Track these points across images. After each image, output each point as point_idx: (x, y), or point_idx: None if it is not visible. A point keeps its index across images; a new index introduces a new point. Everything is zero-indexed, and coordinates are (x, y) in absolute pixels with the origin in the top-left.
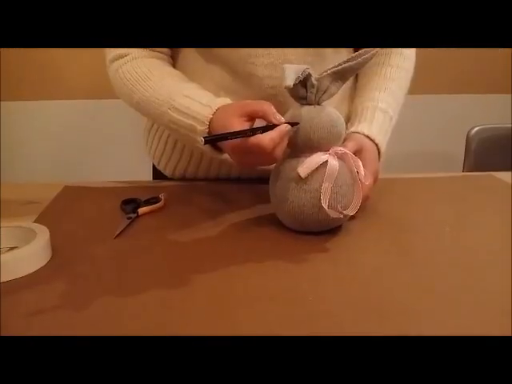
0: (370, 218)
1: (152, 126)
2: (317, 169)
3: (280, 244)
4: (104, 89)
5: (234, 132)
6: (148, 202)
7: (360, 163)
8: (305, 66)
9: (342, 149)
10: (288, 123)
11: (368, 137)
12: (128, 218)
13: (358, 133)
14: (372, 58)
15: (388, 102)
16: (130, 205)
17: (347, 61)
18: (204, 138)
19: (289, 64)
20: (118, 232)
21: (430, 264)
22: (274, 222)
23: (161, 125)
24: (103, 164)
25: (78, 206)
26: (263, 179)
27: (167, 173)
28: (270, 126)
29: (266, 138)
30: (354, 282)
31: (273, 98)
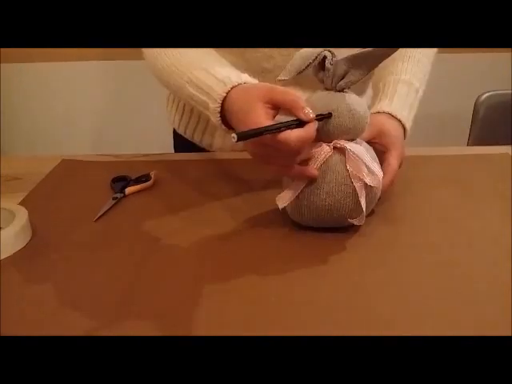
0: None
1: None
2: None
3: (280, 233)
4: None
5: (269, 127)
6: (138, 181)
7: (364, 167)
8: (321, 49)
9: (345, 143)
10: (319, 118)
11: (390, 114)
12: (113, 199)
13: (378, 112)
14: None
15: (412, 72)
16: (120, 183)
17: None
18: (237, 134)
19: (305, 49)
20: (99, 214)
21: (429, 264)
22: (275, 210)
23: (182, 100)
24: (124, 129)
25: (72, 182)
26: None
27: (187, 136)
28: (299, 122)
29: (293, 136)
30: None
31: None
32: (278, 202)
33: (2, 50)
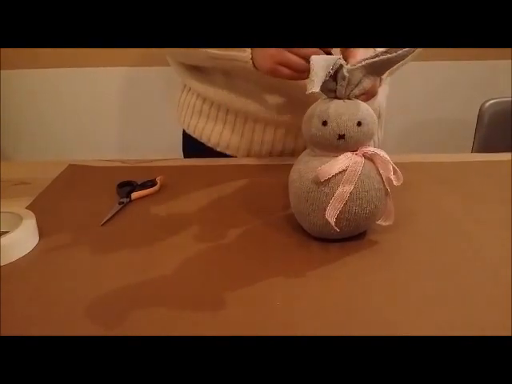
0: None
1: (184, 88)
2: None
3: (285, 240)
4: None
5: None
6: (143, 186)
7: (391, 166)
8: (336, 57)
9: (371, 149)
10: None
11: None
12: (119, 204)
13: None
14: (414, 50)
15: None
16: (126, 188)
17: (385, 52)
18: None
19: (316, 56)
20: (106, 219)
21: (431, 266)
22: (281, 217)
23: (196, 59)
24: (131, 134)
25: (79, 187)
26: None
27: (196, 135)
28: None
29: None
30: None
31: None
32: (328, 219)
33: (12, 55)
